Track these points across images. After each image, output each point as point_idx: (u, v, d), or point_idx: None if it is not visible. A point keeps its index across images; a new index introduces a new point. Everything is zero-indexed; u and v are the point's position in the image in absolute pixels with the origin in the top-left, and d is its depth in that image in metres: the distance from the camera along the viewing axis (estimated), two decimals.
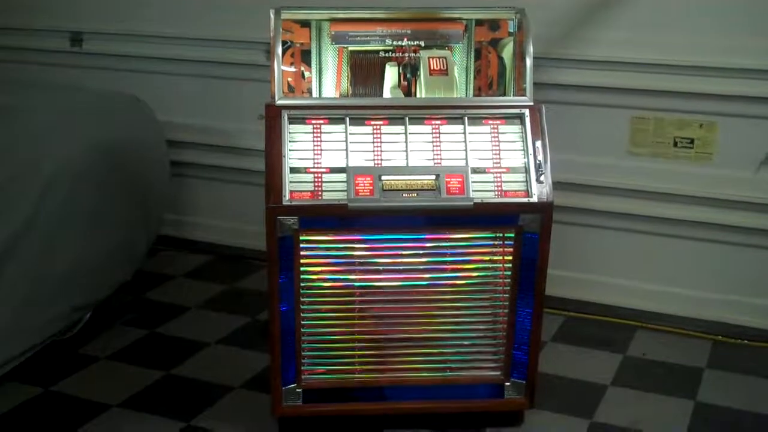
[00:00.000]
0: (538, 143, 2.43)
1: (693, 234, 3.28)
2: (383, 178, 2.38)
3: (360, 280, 2.48)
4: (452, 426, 2.65)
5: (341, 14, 2.63)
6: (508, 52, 2.65)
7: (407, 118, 2.44)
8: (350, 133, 2.42)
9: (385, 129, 2.44)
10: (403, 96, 2.62)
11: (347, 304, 2.50)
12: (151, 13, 3.88)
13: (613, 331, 3.30)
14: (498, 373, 2.58)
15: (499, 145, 2.44)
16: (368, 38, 2.63)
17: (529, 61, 2.50)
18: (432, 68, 2.57)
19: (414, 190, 2.38)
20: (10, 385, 2.82)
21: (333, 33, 2.63)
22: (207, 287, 3.65)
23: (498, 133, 2.46)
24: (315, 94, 2.68)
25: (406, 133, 2.43)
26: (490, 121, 2.46)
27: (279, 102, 2.45)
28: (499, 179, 2.41)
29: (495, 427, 2.64)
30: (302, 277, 2.44)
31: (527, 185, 2.41)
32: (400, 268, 2.48)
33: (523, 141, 2.44)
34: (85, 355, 3.06)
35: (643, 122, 3.27)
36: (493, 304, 2.53)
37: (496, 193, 2.40)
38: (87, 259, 3.01)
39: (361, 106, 2.49)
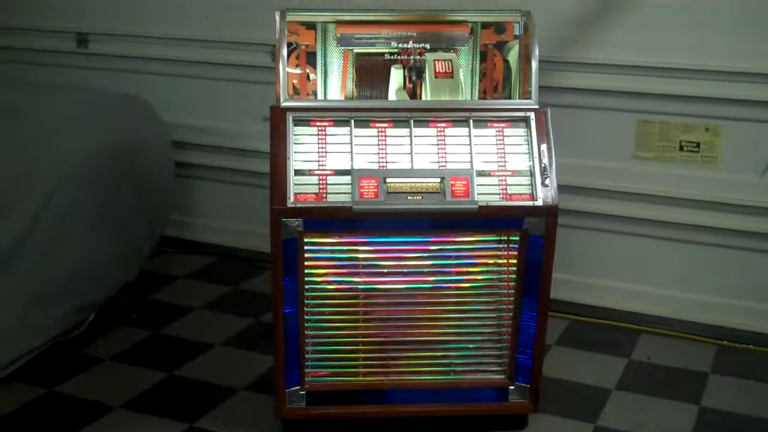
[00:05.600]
0: (544, 146, 2.43)
1: (699, 238, 3.27)
2: (388, 180, 2.38)
3: (364, 283, 2.48)
4: (456, 429, 2.65)
5: (347, 16, 2.63)
6: (513, 55, 2.64)
7: (412, 121, 2.44)
8: (355, 136, 2.42)
9: (390, 131, 2.44)
10: (408, 98, 2.62)
11: (351, 306, 2.50)
12: (157, 14, 3.89)
13: (617, 335, 3.29)
14: (502, 376, 2.57)
15: (504, 148, 2.44)
16: (374, 41, 2.63)
17: (534, 64, 2.49)
18: (437, 71, 2.57)
19: (419, 192, 2.38)
20: (15, 385, 2.82)
21: (338, 35, 2.63)
22: (211, 288, 3.65)
23: (503, 136, 2.45)
24: (320, 96, 2.68)
25: (411, 136, 2.43)
26: (496, 124, 2.46)
27: (284, 104, 2.45)
28: (504, 182, 2.41)
29: (499, 430, 2.64)
30: (306, 279, 2.44)
31: (532, 188, 2.40)
32: (405, 270, 2.48)
33: (528, 144, 2.44)
34: (88, 355, 3.06)
35: (649, 126, 3.26)
36: (498, 308, 2.53)
37: (501, 196, 2.40)
38: (91, 260, 3.01)
39: (366, 108, 2.49)
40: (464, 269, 2.49)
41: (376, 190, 2.37)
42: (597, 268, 3.44)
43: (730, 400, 2.86)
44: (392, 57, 2.64)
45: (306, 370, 2.51)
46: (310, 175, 2.38)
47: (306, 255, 2.42)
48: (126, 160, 3.22)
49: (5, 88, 3.57)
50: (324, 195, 2.37)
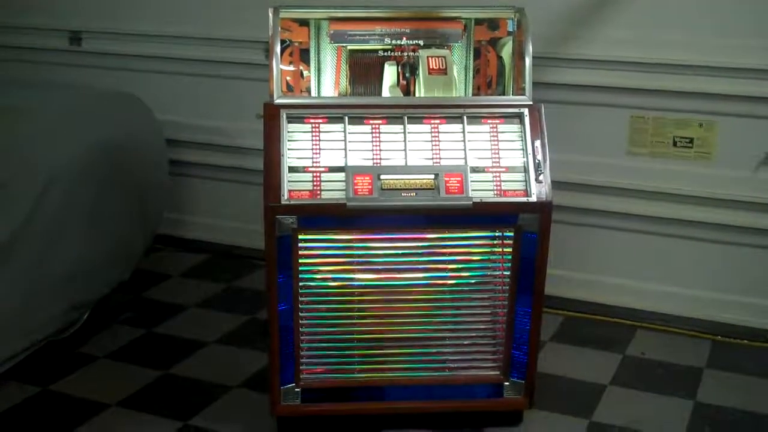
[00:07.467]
0: (537, 143, 2.43)
1: (692, 233, 3.28)
2: (382, 177, 2.38)
3: (359, 280, 2.48)
4: (451, 426, 2.65)
5: (340, 13, 2.63)
6: (507, 52, 2.64)
7: (406, 118, 2.44)
8: (349, 132, 2.42)
9: (383, 128, 2.44)
10: (401, 95, 2.62)
11: (346, 303, 2.50)
12: (150, 12, 3.88)
13: (612, 331, 3.29)
14: (497, 372, 2.58)
15: (498, 145, 2.44)
16: (367, 37, 2.63)
17: (528, 61, 2.49)
18: (431, 67, 2.57)
19: (413, 189, 2.38)
20: (8, 384, 2.82)
21: (332, 32, 2.62)
22: (205, 286, 3.65)
23: (497, 132, 2.45)
24: (314, 93, 2.68)
25: (405, 133, 2.43)
26: (489, 121, 2.46)
27: (278, 101, 2.45)
28: (498, 179, 2.41)
29: (494, 426, 2.64)
30: (301, 276, 2.44)
31: (526, 185, 2.40)
32: (399, 267, 2.48)
33: (522, 140, 2.44)
34: (83, 354, 3.06)
35: (643, 122, 3.26)
36: (492, 304, 2.53)
37: (495, 192, 2.40)
38: (85, 258, 3.00)
39: (359, 105, 2.49)
40: (459, 265, 2.49)
41: (370, 186, 2.37)
42: (591, 264, 3.44)
43: (725, 395, 2.86)
44: (386, 54, 2.64)
45: (301, 367, 2.51)
46: (304, 172, 2.38)
47: (300, 252, 2.42)
48: (120, 157, 3.21)
49: None
50: (318, 192, 2.37)
